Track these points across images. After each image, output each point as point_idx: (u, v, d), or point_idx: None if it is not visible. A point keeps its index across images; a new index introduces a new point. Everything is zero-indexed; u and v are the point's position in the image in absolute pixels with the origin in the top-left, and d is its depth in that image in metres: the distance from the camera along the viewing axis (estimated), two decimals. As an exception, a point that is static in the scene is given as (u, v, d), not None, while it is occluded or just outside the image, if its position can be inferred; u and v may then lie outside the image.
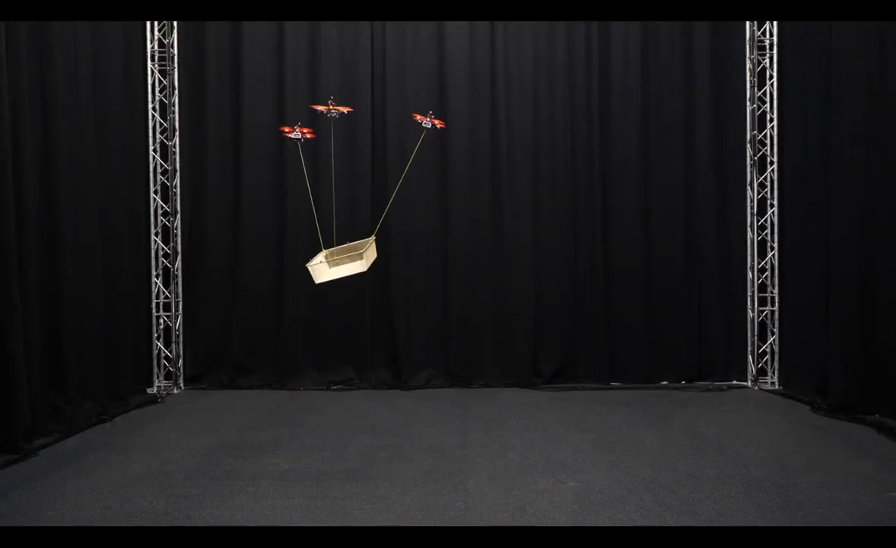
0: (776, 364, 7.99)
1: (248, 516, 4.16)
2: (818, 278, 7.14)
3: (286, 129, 6.62)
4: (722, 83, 8.11)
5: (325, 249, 6.38)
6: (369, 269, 8.19)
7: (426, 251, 8.12)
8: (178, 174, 7.92)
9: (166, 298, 7.93)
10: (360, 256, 6.16)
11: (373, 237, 6.34)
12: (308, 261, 6.27)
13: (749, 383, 8.04)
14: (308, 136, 6.48)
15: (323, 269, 6.12)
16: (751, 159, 8.02)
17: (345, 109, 6.51)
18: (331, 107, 6.35)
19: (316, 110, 6.70)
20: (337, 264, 6.15)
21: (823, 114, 6.99)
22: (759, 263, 8.03)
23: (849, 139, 6.55)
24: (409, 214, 8.07)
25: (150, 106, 7.79)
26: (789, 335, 7.77)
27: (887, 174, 6.19)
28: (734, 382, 8.10)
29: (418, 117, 6.43)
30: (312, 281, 8.04)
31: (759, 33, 7.94)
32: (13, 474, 4.92)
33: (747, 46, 7.99)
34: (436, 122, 6.46)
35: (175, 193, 7.92)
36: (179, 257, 7.98)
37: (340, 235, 8.08)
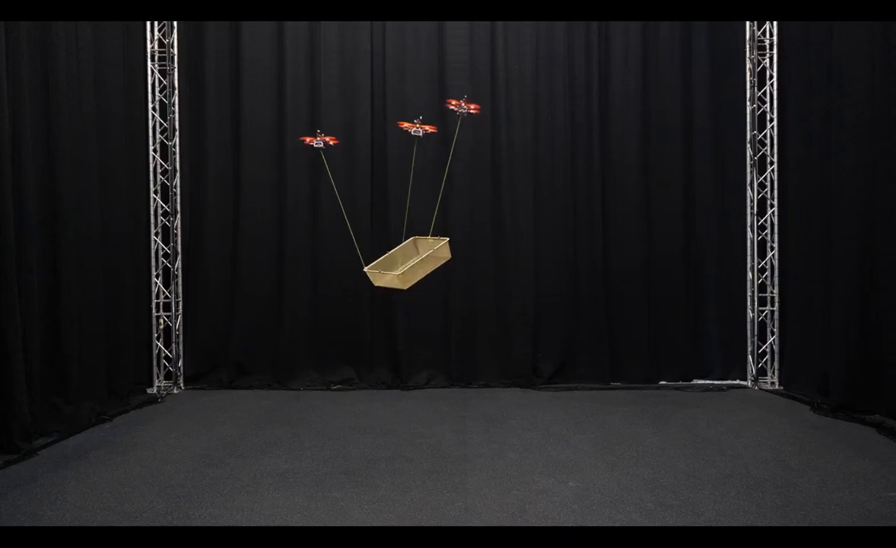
0: (776, 364, 7.99)
1: (248, 516, 4.16)
2: (819, 278, 7.14)
3: (307, 139, 6.30)
4: (722, 83, 8.11)
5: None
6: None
7: (426, 251, 8.12)
8: (178, 174, 7.92)
9: (166, 298, 7.93)
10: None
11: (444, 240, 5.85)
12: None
13: (749, 383, 8.04)
14: (331, 143, 6.22)
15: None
16: (751, 159, 8.02)
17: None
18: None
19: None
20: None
21: (823, 114, 6.99)
22: (759, 263, 8.03)
23: (849, 139, 6.54)
24: (408, 213, 8.06)
25: (150, 106, 7.79)
26: (789, 335, 7.77)
27: (887, 173, 6.18)
28: (734, 381, 8.11)
29: (453, 104, 6.04)
30: (312, 280, 8.09)
31: (759, 33, 7.93)
32: (13, 474, 4.92)
33: (747, 46, 7.99)
34: (470, 107, 6.06)
35: (175, 193, 7.92)
36: (179, 257, 7.98)
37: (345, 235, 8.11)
